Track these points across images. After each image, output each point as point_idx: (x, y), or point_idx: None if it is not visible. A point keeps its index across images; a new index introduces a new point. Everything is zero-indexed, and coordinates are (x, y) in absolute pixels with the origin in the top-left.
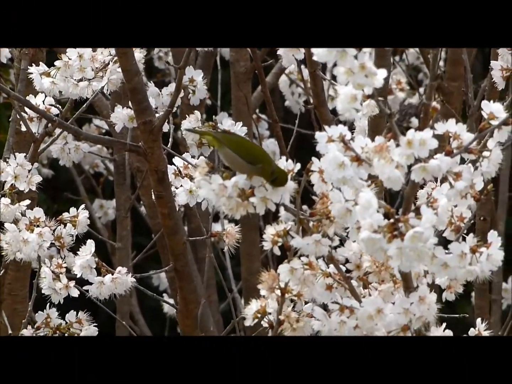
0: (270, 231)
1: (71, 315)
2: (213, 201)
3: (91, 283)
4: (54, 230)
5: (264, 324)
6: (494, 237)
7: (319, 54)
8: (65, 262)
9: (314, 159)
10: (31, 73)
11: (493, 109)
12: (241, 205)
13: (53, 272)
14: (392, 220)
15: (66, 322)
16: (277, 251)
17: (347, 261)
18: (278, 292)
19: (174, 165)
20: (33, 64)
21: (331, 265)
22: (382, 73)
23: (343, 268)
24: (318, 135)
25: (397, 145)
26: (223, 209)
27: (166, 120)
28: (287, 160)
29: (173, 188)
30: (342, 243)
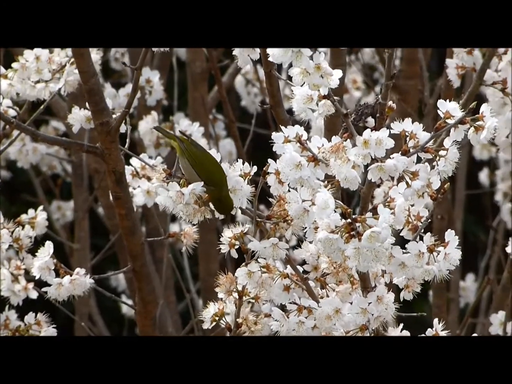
0: (227, 234)
1: (30, 317)
2: (170, 207)
3: (49, 285)
4: (12, 232)
5: (223, 326)
6: (451, 236)
7: (275, 55)
8: (23, 264)
9: (270, 161)
10: None
11: (449, 108)
12: (198, 211)
13: (12, 274)
14: (349, 220)
15: (25, 324)
16: (234, 254)
17: (304, 262)
18: (235, 294)
19: (132, 166)
20: None
21: (289, 266)
22: (337, 73)
23: (301, 269)
24: (274, 135)
25: (354, 145)
26: (181, 215)
27: (123, 121)
28: (243, 163)
29: (130, 189)
30: (299, 244)
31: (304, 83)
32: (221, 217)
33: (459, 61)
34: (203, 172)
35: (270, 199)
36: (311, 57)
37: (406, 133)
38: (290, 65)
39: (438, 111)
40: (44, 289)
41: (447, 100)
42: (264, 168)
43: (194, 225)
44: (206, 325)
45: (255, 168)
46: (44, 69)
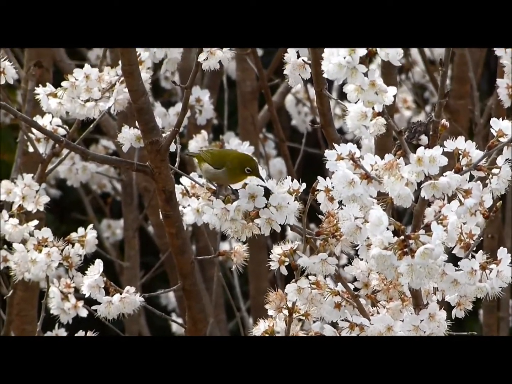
0: (277, 251)
1: (79, 335)
2: (217, 225)
3: (99, 303)
4: (62, 250)
5: None
6: (503, 254)
7: (329, 71)
8: (73, 282)
9: (320, 178)
10: (38, 94)
11: (502, 126)
12: (246, 227)
13: (61, 292)
14: (402, 237)
15: None
16: (284, 271)
17: (355, 279)
18: (285, 311)
19: (182, 184)
20: (39, 85)
21: (339, 284)
22: (392, 90)
23: (351, 287)
24: (327, 153)
25: (407, 163)
26: (229, 232)
27: (173, 140)
28: (292, 180)
29: (180, 208)
30: (350, 261)
31: (358, 100)
32: (267, 233)
33: (509, 80)
34: (211, 159)
35: (320, 216)
36: (365, 74)
37: (459, 151)
38: (342, 85)
39: (491, 130)
40: (94, 307)
41: (500, 119)
42: (313, 185)
43: (244, 243)
44: None
45: (304, 185)
46: (93, 88)
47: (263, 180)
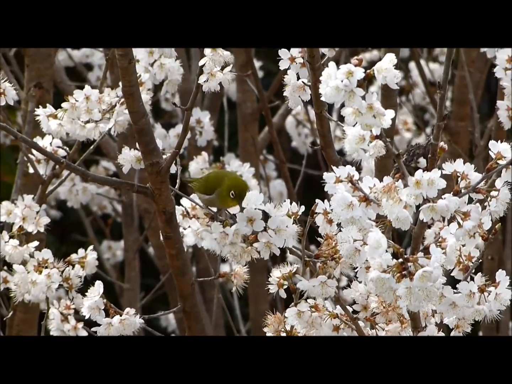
0: (276, 274)
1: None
2: (216, 250)
3: (99, 325)
4: (62, 272)
5: None
6: (502, 276)
7: (327, 94)
8: (73, 304)
9: (318, 200)
10: (38, 115)
11: (500, 148)
12: (245, 251)
13: (61, 313)
14: (401, 260)
15: None
16: (283, 294)
17: (354, 302)
18: (284, 334)
19: (182, 206)
20: (40, 106)
21: (338, 306)
22: (390, 113)
23: (350, 309)
24: (326, 175)
25: (405, 185)
26: (228, 256)
27: (174, 162)
28: (291, 203)
29: (181, 229)
30: (349, 283)
31: (356, 123)
32: (267, 257)
33: (510, 102)
34: (202, 187)
35: (319, 239)
36: (363, 97)
37: (458, 174)
38: (341, 106)
39: (490, 152)
40: (93, 329)
41: (499, 141)
42: (312, 208)
43: (244, 265)
44: None
45: (302, 208)
46: (94, 109)
47: (241, 209)
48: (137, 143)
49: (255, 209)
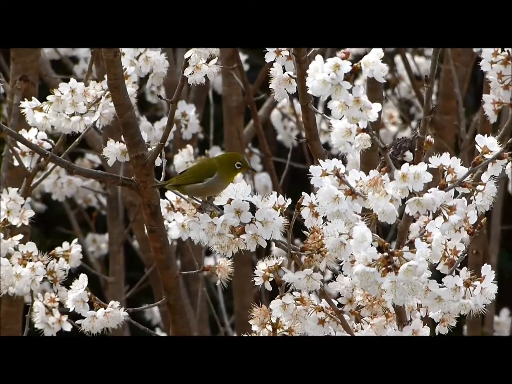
0: (262, 266)
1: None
2: (204, 240)
3: (83, 317)
4: (47, 265)
5: None
6: (487, 271)
7: (314, 87)
8: (58, 296)
9: (304, 193)
10: (24, 108)
11: (487, 142)
12: (233, 243)
13: (46, 306)
14: (386, 254)
15: None
16: (268, 287)
17: (339, 295)
18: (269, 327)
19: (167, 199)
20: (25, 98)
21: (323, 300)
22: (376, 106)
23: (335, 302)
24: (312, 168)
25: (392, 179)
26: (215, 248)
27: (159, 154)
28: (278, 196)
29: (165, 222)
30: (335, 277)
31: (343, 116)
32: (253, 249)
33: (495, 96)
34: (192, 178)
35: (305, 232)
36: (350, 90)
37: (444, 168)
38: (327, 99)
39: (476, 146)
40: (78, 322)
41: (485, 135)
42: (298, 201)
43: (229, 258)
44: None
45: (289, 201)
46: (79, 102)
47: (254, 170)
48: (122, 136)
49: (243, 200)
